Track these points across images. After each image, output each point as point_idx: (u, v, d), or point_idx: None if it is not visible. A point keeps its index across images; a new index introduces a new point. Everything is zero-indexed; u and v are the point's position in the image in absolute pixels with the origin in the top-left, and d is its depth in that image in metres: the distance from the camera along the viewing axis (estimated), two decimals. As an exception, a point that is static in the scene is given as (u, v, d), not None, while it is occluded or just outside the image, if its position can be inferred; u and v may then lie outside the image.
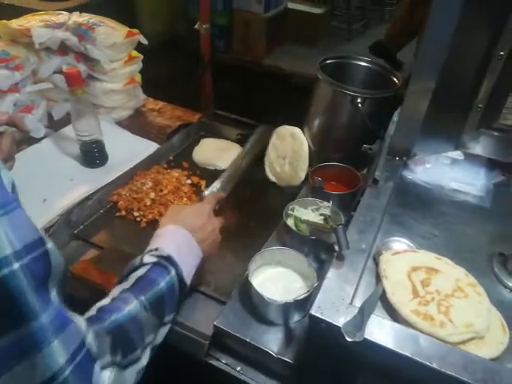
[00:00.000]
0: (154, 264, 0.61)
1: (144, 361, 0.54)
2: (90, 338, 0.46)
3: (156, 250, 0.64)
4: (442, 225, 0.78)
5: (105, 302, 0.55)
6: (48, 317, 0.40)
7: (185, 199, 1.05)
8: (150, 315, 0.55)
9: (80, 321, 0.46)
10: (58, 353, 0.40)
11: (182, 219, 0.72)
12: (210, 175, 1.16)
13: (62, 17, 1.29)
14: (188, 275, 0.65)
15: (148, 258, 0.62)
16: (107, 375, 0.47)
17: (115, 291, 0.57)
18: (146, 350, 0.55)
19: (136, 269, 0.61)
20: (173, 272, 0.62)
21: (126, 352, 0.51)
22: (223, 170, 1.14)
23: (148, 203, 1.02)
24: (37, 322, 0.39)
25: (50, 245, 0.43)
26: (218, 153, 1.23)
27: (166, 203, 1.03)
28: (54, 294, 0.43)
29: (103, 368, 0.46)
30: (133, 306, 0.54)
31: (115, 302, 0.54)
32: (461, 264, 0.67)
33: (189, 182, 1.12)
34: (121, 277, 0.61)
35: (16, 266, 0.38)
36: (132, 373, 0.51)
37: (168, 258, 0.63)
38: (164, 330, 0.60)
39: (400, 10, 3.14)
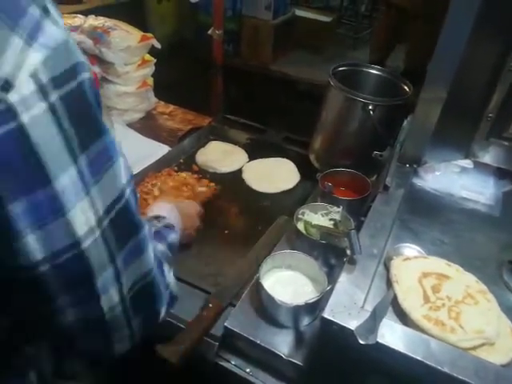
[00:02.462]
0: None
1: None
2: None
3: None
4: (451, 232, 0.78)
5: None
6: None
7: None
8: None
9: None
10: None
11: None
12: (220, 178, 1.17)
13: (78, 20, 1.31)
14: None
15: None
16: (172, 276, 0.56)
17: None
18: None
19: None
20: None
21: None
22: (225, 173, 1.19)
23: (159, 205, 1.03)
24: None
25: None
26: (221, 157, 1.25)
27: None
28: None
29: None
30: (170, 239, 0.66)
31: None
32: (470, 271, 0.67)
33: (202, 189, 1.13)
34: None
35: None
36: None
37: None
38: None
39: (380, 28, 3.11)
